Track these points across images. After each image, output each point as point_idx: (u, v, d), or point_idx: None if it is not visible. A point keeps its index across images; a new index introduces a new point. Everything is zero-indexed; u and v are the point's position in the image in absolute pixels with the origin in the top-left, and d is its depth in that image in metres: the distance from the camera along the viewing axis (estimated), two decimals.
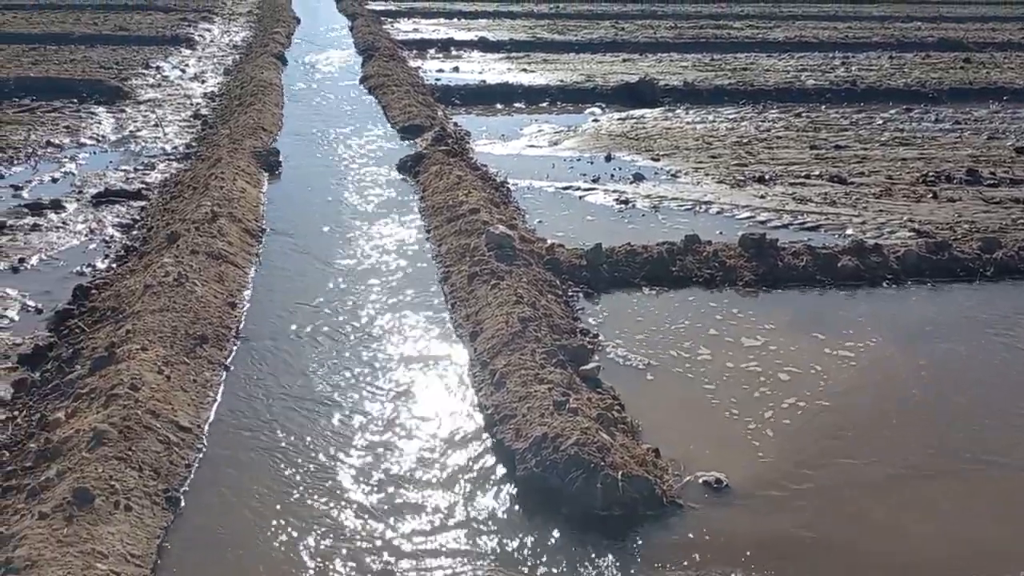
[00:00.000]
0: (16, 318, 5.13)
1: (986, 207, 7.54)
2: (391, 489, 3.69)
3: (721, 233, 6.67)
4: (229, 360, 4.66)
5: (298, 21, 20.28)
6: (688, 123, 10.73)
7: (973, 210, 7.45)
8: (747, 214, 7.28)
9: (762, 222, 7.08)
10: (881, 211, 7.39)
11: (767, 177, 8.25)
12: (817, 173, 8.45)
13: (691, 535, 3.45)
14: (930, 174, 8.41)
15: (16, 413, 4.10)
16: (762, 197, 7.69)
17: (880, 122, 10.92)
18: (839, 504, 3.67)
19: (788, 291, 5.82)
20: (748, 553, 3.34)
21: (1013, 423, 4.32)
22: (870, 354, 4.96)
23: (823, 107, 11.82)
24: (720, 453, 3.96)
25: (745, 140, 9.84)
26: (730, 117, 11.10)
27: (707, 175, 8.35)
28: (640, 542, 3.41)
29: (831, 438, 4.13)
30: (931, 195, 7.82)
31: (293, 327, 5.10)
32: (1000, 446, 4.12)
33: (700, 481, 3.74)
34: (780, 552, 3.37)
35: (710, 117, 11.06)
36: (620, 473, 3.59)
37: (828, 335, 5.16)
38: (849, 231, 6.90)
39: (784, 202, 7.57)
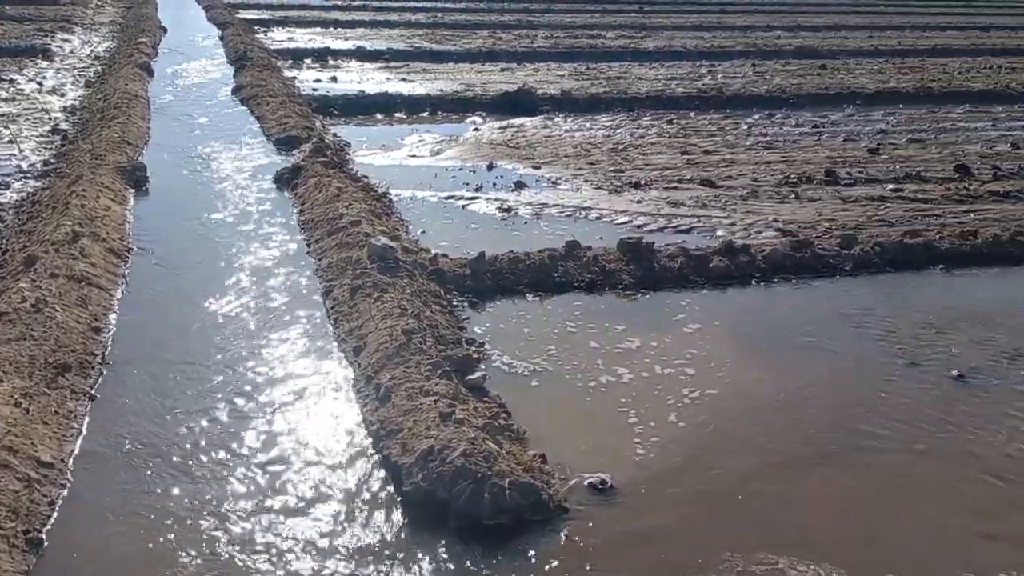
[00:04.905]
0: None
1: (844, 205, 7.98)
2: (272, 515, 3.58)
3: (601, 238, 6.81)
4: (95, 388, 4.41)
5: (165, 31, 19.49)
6: (567, 131, 10.92)
7: (832, 209, 7.87)
8: (625, 219, 7.46)
9: (639, 226, 7.27)
10: (748, 212, 7.71)
11: (642, 182, 8.49)
12: (688, 177, 8.75)
13: (576, 537, 3.50)
14: (792, 176, 8.84)
15: None
16: (638, 202, 7.90)
17: (745, 127, 11.40)
18: (720, 497, 3.81)
19: (665, 292, 6.00)
20: (631, 550, 3.43)
21: (878, 409, 4.57)
22: (742, 349, 5.17)
23: (692, 114, 12.23)
24: (605, 455, 4.03)
25: (621, 147, 10.09)
26: (606, 124, 11.36)
27: (586, 182, 8.52)
28: (526, 548, 3.43)
29: (710, 435, 4.28)
30: (793, 196, 8.21)
31: (164, 351, 4.88)
32: (870, 430, 4.36)
33: (585, 483, 3.80)
34: (661, 547, 3.47)
35: (587, 125, 11.29)
36: (507, 481, 3.60)
37: (702, 333, 5.35)
38: (720, 232, 7.16)
39: (659, 206, 7.80)
